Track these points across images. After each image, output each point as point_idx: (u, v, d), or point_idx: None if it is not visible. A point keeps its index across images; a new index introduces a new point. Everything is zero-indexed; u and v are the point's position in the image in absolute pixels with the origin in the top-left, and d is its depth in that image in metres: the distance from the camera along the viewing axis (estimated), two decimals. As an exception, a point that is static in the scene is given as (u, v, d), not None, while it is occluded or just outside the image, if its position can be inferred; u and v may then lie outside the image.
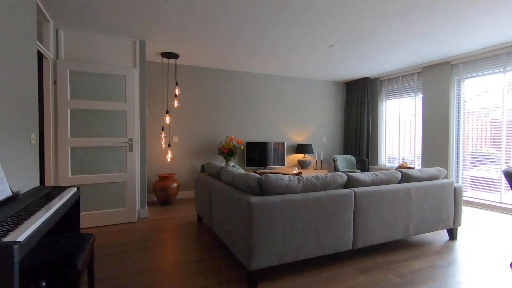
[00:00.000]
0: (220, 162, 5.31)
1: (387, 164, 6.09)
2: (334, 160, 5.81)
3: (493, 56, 4.30)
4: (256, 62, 4.98)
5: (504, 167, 4.19)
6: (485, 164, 4.47)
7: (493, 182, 4.36)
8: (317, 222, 2.25)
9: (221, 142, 5.25)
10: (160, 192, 4.55)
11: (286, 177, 2.25)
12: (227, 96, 5.50)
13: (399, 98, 5.81)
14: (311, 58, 4.72)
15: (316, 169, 5.85)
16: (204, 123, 5.32)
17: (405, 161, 5.71)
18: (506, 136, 4.18)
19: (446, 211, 2.97)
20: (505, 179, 2.47)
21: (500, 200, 4.26)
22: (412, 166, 5.49)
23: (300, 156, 6.25)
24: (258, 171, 3.49)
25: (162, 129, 4.49)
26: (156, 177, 4.94)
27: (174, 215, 4.07)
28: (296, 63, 5.07)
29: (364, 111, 6.21)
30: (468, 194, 4.69)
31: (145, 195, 3.98)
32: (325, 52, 4.42)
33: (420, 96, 5.39)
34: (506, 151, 4.18)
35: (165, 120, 4.46)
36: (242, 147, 5.25)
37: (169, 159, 4.61)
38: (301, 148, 5.95)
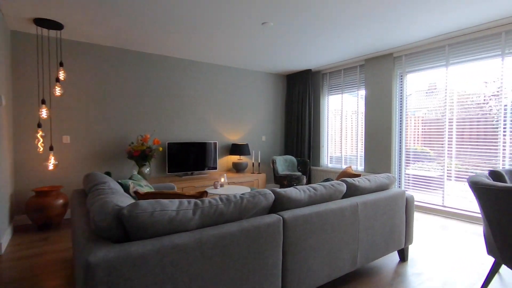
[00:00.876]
0: (131, 168, 4.19)
1: (330, 165, 5.62)
2: (273, 162, 5.12)
3: (436, 48, 3.99)
4: (175, 42, 3.98)
5: (447, 167, 3.91)
6: (429, 162, 4.17)
7: (435, 182, 4.07)
8: (224, 276, 1.41)
9: (132, 143, 4.14)
10: (37, 214, 3.29)
11: (172, 204, 1.36)
12: (142, 85, 4.39)
13: (341, 93, 5.35)
14: (243, 39, 3.89)
15: (253, 173, 5.09)
16: (110, 119, 4.14)
17: (349, 165, 5.29)
18: (448, 134, 3.90)
19: (398, 228, 2.39)
20: (470, 189, 1.93)
21: (443, 203, 3.98)
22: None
23: (235, 158, 5.43)
24: (146, 192, 2.55)
25: (39, 126, 3.23)
26: (31, 193, 3.64)
27: (50, 247, 2.89)
28: (225, 46, 4.21)
29: (305, 107, 5.64)
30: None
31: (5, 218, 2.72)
32: (258, 32, 3.63)
33: (363, 91, 4.97)
34: (448, 150, 3.91)
35: (41, 113, 3.21)
36: (161, 148, 4.21)
37: (51, 167, 3.36)
38: (236, 149, 5.12)
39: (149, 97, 4.46)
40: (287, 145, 6.07)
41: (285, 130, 6.16)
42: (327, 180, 2.74)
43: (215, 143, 4.97)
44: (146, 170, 4.13)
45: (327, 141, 5.67)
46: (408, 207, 2.49)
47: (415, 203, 4.27)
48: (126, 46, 4.13)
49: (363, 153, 4.98)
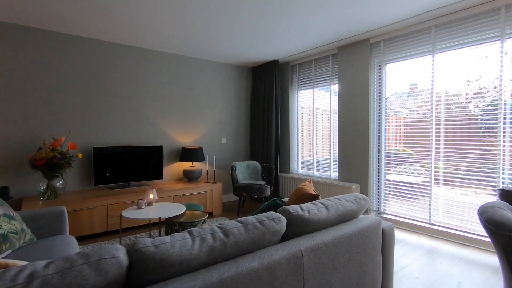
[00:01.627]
0: (38, 181, 3.24)
1: (301, 171, 4.85)
2: (233, 169, 4.29)
3: (420, 31, 3.28)
4: (100, 20, 3.08)
5: (434, 170, 3.20)
6: (412, 165, 3.46)
7: (420, 188, 3.36)
8: None
9: (41, 148, 3.19)
10: None
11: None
12: (58, 73, 3.46)
13: (312, 88, 4.59)
14: (194, 16, 3.05)
15: (207, 182, 4.24)
16: (13, 117, 3.19)
17: (324, 171, 4.53)
18: (436, 134, 3.20)
19: (371, 278, 1.61)
20: (485, 229, 1.17)
21: (430, 220, 3.27)
22: (328, 181, 4.31)
23: (186, 165, 4.56)
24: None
25: None
26: None
27: None
28: (173, 26, 3.35)
29: (272, 105, 4.84)
30: (391, 208, 3.65)
31: None
32: (213, 9, 2.79)
33: (336, 85, 4.22)
34: (435, 152, 3.20)
35: None
36: (80, 155, 3.29)
37: None
38: (188, 154, 4.26)
39: (70, 91, 3.53)
40: (252, 148, 5.26)
41: (250, 131, 5.35)
42: (273, 203, 1.95)
43: (159, 147, 4.09)
44: (58, 183, 3.21)
45: (297, 143, 4.90)
46: (386, 243, 1.72)
47: (395, 218, 3.55)
48: (33, 23, 3.19)
49: (337, 156, 4.23)
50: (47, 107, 3.40)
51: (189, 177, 4.26)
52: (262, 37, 3.70)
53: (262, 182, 4.33)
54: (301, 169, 4.85)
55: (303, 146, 4.83)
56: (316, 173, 4.57)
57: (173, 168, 4.43)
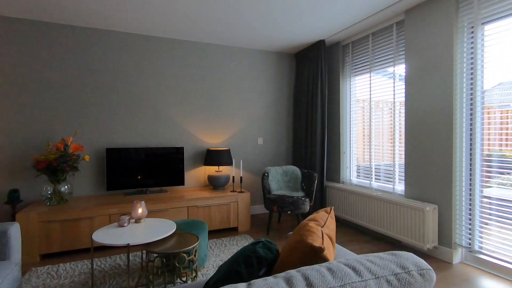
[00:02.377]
0: (44, 185, 3.01)
1: (355, 180, 3.77)
2: (265, 176, 3.52)
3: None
4: (118, 11, 2.70)
5: None
6: (529, 192, 2.15)
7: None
8: None
9: (49, 148, 2.98)
10: None
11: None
12: (74, 71, 3.24)
13: (370, 71, 3.48)
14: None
15: (233, 191, 3.55)
16: (25, 118, 3.07)
17: (367, 188, 3.37)
18: None
19: None
20: None
21: None
22: (389, 197, 3.20)
23: (212, 170, 3.96)
24: None
25: None
26: None
27: None
28: (199, 10, 2.79)
29: (316, 97, 3.89)
30: (492, 243, 2.35)
31: None
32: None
33: (402, 66, 3.06)
34: None
35: None
36: (87, 157, 2.98)
37: None
38: (213, 157, 3.65)
39: (86, 87, 3.29)
40: (296, 151, 4.38)
41: (293, 130, 4.48)
42: (252, 250, 1.15)
43: (180, 149, 3.58)
44: (64, 187, 2.94)
45: (350, 144, 3.83)
46: None
47: (500, 261, 2.26)
48: (45, 17, 3.01)
49: (403, 163, 3.07)
50: (58, 106, 3.20)
51: (214, 183, 3.65)
52: (304, 8, 2.83)
53: (300, 194, 3.44)
54: (356, 177, 3.77)
55: (357, 148, 3.75)
56: (374, 183, 3.45)
57: (198, 173, 3.88)
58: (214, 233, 3.37)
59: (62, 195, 2.93)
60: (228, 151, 3.73)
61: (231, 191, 3.56)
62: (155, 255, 2.36)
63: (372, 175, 3.47)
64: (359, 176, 3.73)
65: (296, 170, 3.77)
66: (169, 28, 3.34)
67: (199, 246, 2.32)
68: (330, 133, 4.06)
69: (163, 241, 2.04)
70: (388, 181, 3.28)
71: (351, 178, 3.82)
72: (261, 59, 4.21)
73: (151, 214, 3.01)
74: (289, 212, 3.20)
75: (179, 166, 3.58)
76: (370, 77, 3.47)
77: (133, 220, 2.31)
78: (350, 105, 3.82)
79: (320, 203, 3.89)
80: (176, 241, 2.04)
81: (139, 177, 3.39)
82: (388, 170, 3.27)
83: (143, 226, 2.20)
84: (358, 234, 3.36)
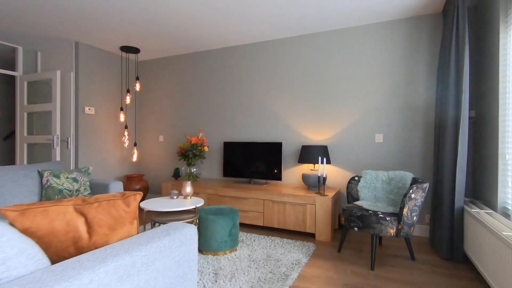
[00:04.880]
0: (184, 167, 4.21)
1: (527, 209, 2.03)
2: (354, 180, 2.81)
3: None
4: (233, 32, 3.54)
5: None
6: None
7: None
8: None
9: (186, 140, 4.19)
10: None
11: None
12: (207, 82, 4.32)
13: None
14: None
15: (317, 192, 3.09)
16: (184, 119, 4.51)
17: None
18: None
19: None
20: None
21: None
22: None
23: (306, 168, 3.58)
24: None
25: (126, 127, 4.38)
26: (124, 178, 4.78)
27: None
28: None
29: (461, 67, 2.49)
30: None
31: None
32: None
33: None
34: None
35: (120, 118, 4.32)
36: (206, 148, 3.84)
37: (134, 159, 4.41)
38: (306, 154, 3.40)
39: (214, 94, 4.27)
40: (438, 155, 2.97)
41: (434, 125, 3.05)
42: None
43: (279, 144, 3.66)
44: (193, 170, 4.02)
45: (516, 142, 2.11)
46: None
47: None
48: (188, 50, 4.30)
49: None
50: (200, 110, 4.36)
51: (307, 183, 3.39)
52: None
53: (389, 209, 2.42)
54: (532, 204, 2.02)
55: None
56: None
57: (295, 170, 3.73)
58: (284, 233, 3.17)
59: (192, 175, 4.02)
60: (325, 148, 3.32)
61: (315, 193, 3.14)
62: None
63: (543, 200, 1.75)
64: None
65: (406, 176, 2.64)
66: (283, 29, 3.57)
67: (212, 226, 2.45)
68: (480, 123, 2.43)
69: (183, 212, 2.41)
70: None
71: (519, 204, 2.09)
72: (384, 33, 3.30)
73: (233, 200, 3.40)
74: (355, 228, 2.38)
75: (277, 162, 3.66)
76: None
77: (182, 196, 2.85)
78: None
79: (449, 238, 2.44)
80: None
81: (245, 168, 3.87)
82: None
83: (189, 201, 2.68)
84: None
